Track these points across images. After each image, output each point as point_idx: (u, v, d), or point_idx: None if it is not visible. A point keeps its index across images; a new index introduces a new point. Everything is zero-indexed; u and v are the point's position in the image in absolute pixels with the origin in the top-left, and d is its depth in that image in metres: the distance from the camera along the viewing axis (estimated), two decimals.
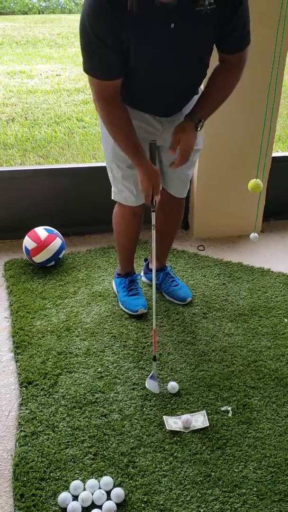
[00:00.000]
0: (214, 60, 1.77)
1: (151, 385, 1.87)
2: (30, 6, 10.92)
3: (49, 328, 2.18)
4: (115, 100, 1.68)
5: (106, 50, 1.51)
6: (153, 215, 1.87)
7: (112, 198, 2.12)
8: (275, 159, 2.88)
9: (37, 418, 1.76)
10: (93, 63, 1.57)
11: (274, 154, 2.95)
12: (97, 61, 1.56)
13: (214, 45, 1.69)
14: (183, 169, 2.05)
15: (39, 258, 2.54)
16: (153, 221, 1.88)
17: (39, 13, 10.90)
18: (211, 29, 1.58)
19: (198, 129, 1.78)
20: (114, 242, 2.35)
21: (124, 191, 2.04)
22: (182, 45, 1.57)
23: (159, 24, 1.50)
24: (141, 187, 1.82)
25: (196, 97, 1.88)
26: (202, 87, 1.87)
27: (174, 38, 1.54)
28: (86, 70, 1.61)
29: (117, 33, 1.48)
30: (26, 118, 4.62)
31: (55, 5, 11.27)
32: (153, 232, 1.90)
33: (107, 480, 1.54)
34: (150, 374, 1.89)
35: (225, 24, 1.57)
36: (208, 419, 1.76)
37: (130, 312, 2.28)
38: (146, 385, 1.88)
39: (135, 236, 2.28)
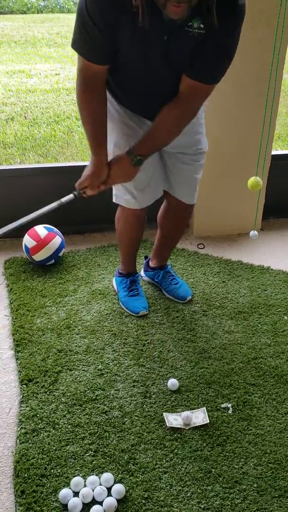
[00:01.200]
0: None
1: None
2: (29, 5, 10.91)
3: (49, 326, 2.19)
4: (95, 86, 1.66)
5: (98, 34, 1.50)
6: (68, 196, 1.90)
7: (114, 201, 2.11)
8: (274, 157, 2.88)
9: (38, 415, 1.77)
10: (82, 41, 1.56)
11: (274, 152, 2.96)
12: (86, 40, 1.54)
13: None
14: (188, 172, 2.05)
15: (39, 257, 2.54)
16: (64, 199, 1.92)
17: (38, 13, 10.89)
18: (192, 49, 1.56)
19: (133, 163, 1.76)
20: (116, 241, 2.34)
21: (124, 193, 2.03)
22: (170, 57, 1.58)
23: (154, 34, 1.51)
24: (84, 172, 1.82)
25: None
26: None
27: (164, 50, 1.55)
28: (74, 46, 1.59)
29: (112, 25, 1.48)
30: (25, 117, 4.62)
31: (54, 5, 11.26)
32: (55, 204, 1.94)
33: (107, 476, 1.55)
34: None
35: (196, 50, 1.55)
36: (208, 416, 1.77)
37: (131, 313, 2.28)
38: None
39: (139, 238, 2.28)
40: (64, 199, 1.91)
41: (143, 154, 1.76)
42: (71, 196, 1.89)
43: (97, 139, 1.77)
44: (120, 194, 2.06)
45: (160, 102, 1.73)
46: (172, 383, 1.88)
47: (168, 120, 1.72)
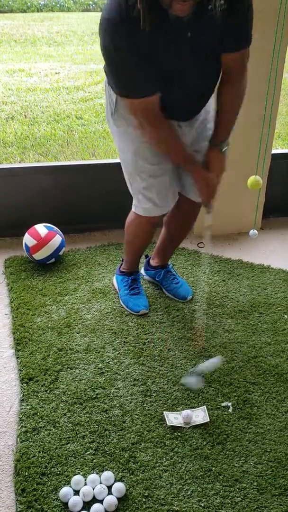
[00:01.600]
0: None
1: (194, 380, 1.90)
2: (28, 4, 10.89)
3: (49, 325, 2.19)
4: (160, 116, 1.70)
5: (141, 65, 1.53)
6: (209, 216, 1.98)
7: (133, 210, 2.10)
8: (274, 156, 2.88)
9: (38, 413, 1.77)
10: (133, 83, 1.58)
11: (274, 151, 2.96)
12: (137, 79, 1.57)
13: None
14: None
15: (39, 255, 2.55)
16: (208, 223, 2.00)
17: (37, 11, 10.87)
18: (219, 28, 1.58)
19: (224, 149, 1.87)
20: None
21: (144, 203, 2.01)
22: (200, 51, 1.60)
23: (176, 35, 1.52)
24: (200, 195, 1.92)
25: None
26: None
27: (192, 46, 1.56)
28: (127, 94, 1.61)
29: (143, 48, 1.50)
30: (25, 116, 4.62)
31: (53, 3, 11.24)
32: (207, 233, 2.04)
33: (108, 475, 1.55)
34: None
35: (231, 18, 1.57)
36: (209, 415, 1.77)
37: (131, 311, 2.28)
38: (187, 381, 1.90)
39: (149, 242, 2.29)
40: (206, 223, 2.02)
41: (227, 137, 1.86)
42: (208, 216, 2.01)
43: (191, 158, 1.84)
44: (139, 204, 2.04)
45: (197, 98, 1.78)
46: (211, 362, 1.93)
47: (233, 101, 1.81)
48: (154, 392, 1.87)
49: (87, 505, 1.50)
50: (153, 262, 2.48)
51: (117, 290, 2.39)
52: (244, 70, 1.77)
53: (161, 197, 1.99)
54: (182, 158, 1.86)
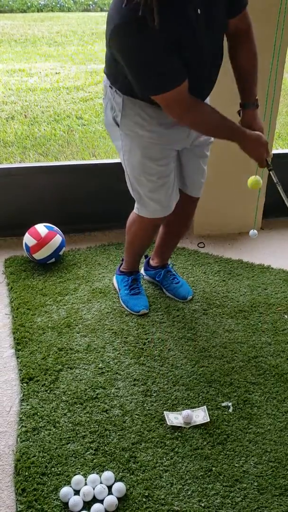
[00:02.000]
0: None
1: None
2: (29, 4, 10.89)
3: (49, 325, 2.19)
4: (195, 99, 1.69)
5: (170, 56, 1.52)
6: (272, 173, 1.95)
7: (136, 212, 2.09)
8: (275, 156, 2.87)
9: (38, 413, 1.77)
10: (164, 76, 1.56)
11: (274, 151, 2.96)
12: (166, 71, 1.55)
13: None
14: (202, 164, 2.08)
15: (39, 255, 2.54)
16: (275, 179, 1.95)
17: (38, 11, 10.88)
18: (226, 2, 1.64)
19: (257, 107, 1.86)
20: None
21: (149, 206, 2.01)
22: (211, 27, 1.61)
23: (188, 14, 1.53)
24: (253, 154, 1.88)
25: None
26: None
27: (203, 23, 1.57)
28: (159, 89, 1.58)
29: (165, 39, 1.49)
30: (25, 116, 4.62)
31: (53, 3, 11.24)
32: (281, 190, 1.98)
33: (108, 475, 1.55)
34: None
35: None
36: (209, 415, 1.77)
37: (131, 311, 2.28)
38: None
39: (150, 243, 2.30)
40: (275, 180, 1.98)
41: (255, 95, 1.85)
42: (272, 173, 1.97)
43: (237, 126, 1.80)
44: (144, 207, 2.04)
45: (212, 76, 1.79)
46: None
47: (251, 57, 1.81)
48: (154, 392, 1.87)
49: (87, 505, 1.50)
50: (153, 262, 2.48)
51: (117, 290, 2.39)
52: (251, 26, 1.78)
53: (167, 197, 2.00)
54: (230, 133, 1.81)
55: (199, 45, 1.62)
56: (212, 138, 2.06)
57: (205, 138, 2.01)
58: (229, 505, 1.49)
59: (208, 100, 1.91)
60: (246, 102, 1.85)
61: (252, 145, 1.83)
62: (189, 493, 1.53)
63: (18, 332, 2.15)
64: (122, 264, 2.41)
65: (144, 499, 1.51)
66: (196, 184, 2.14)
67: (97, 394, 1.85)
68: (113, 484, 1.53)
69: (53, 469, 1.59)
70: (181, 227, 2.35)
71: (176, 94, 1.60)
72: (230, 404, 1.83)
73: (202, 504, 1.49)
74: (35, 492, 1.52)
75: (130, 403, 1.82)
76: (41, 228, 2.57)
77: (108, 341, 2.11)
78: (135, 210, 2.10)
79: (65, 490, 1.50)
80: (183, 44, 1.55)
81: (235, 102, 1.87)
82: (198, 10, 1.54)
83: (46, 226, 2.59)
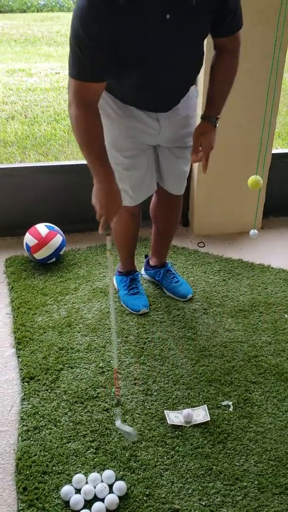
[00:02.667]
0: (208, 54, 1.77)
1: (123, 427, 1.62)
2: (28, 4, 10.90)
3: (50, 324, 2.19)
4: (95, 105, 1.63)
5: (97, 51, 1.47)
6: (108, 239, 1.67)
7: None
8: (274, 156, 2.89)
9: (39, 412, 1.77)
10: (81, 65, 1.52)
11: (274, 151, 2.96)
12: (86, 63, 1.50)
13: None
14: (180, 165, 2.06)
15: (40, 255, 2.55)
16: (109, 246, 1.65)
17: (37, 11, 10.88)
18: (206, 14, 1.57)
19: (216, 126, 1.83)
20: (113, 240, 2.34)
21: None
22: (179, 35, 1.55)
23: (154, 16, 1.47)
24: (98, 208, 1.71)
25: (193, 88, 1.88)
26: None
27: (171, 29, 1.51)
28: (74, 74, 1.54)
29: (110, 32, 1.44)
30: (25, 116, 4.62)
31: (53, 3, 11.25)
32: (108, 257, 1.68)
33: (109, 473, 1.56)
34: (117, 420, 1.65)
35: (221, 7, 1.58)
36: (209, 414, 1.78)
37: (131, 311, 2.29)
38: (122, 428, 1.63)
39: (135, 235, 2.28)
40: (108, 246, 1.66)
41: (219, 112, 1.83)
42: (108, 238, 1.67)
43: (106, 162, 1.70)
44: None
45: (175, 86, 1.76)
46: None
47: (228, 71, 1.78)
48: (155, 391, 1.87)
49: (88, 503, 1.50)
50: (151, 262, 2.48)
51: (117, 290, 2.40)
52: (240, 46, 1.76)
53: (135, 189, 1.99)
54: (96, 156, 1.69)
55: (154, 49, 1.55)
56: (190, 143, 1.96)
57: (187, 139, 1.97)
58: (230, 503, 1.50)
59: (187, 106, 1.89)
60: (207, 115, 1.83)
61: (101, 193, 1.69)
62: (189, 491, 1.53)
63: (19, 332, 2.15)
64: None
65: (145, 498, 1.51)
66: (172, 183, 2.12)
67: (98, 393, 1.86)
68: (114, 482, 1.54)
69: (54, 468, 1.59)
70: (169, 222, 2.35)
71: (77, 85, 1.55)
72: (230, 403, 1.83)
73: (203, 503, 1.50)
74: (36, 491, 1.52)
75: (131, 402, 1.83)
76: (42, 228, 2.58)
77: (108, 341, 2.11)
78: None
79: (66, 489, 1.51)
80: (125, 43, 1.49)
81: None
82: (168, 15, 1.47)
83: (46, 226, 2.60)
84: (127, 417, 1.77)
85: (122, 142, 1.88)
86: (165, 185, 2.13)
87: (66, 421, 1.75)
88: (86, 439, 1.68)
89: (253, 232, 2.19)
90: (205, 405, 1.81)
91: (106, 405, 1.81)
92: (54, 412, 1.78)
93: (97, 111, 1.65)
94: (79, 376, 1.93)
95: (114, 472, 1.57)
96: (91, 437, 1.69)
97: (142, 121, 1.84)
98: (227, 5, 1.59)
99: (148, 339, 2.13)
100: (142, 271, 2.53)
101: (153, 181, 2.07)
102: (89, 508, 1.48)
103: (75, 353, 2.04)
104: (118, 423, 1.63)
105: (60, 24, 9.20)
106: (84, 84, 1.55)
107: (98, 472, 1.58)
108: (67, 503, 1.49)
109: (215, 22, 1.62)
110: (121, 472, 1.58)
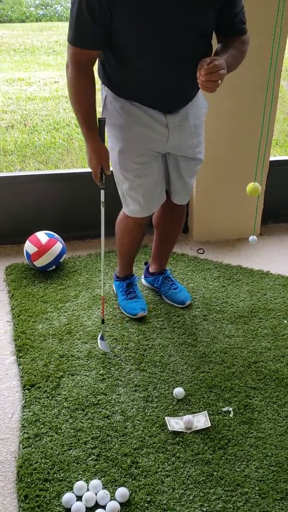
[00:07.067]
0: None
1: (102, 345, 2.08)
2: (27, 14, 10.98)
3: (50, 332, 2.20)
4: (89, 69, 1.73)
5: (93, 24, 1.58)
6: (102, 192, 1.96)
7: (123, 209, 2.13)
8: (272, 163, 2.91)
9: (40, 420, 1.78)
10: (77, 33, 1.63)
11: (272, 158, 2.98)
12: (81, 32, 1.62)
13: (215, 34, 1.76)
14: (188, 178, 2.08)
15: (40, 263, 2.56)
16: (102, 198, 1.97)
17: (36, 21, 10.96)
18: (211, 9, 1.63)
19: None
20: (115, 245, 2.36)
21: (130, 204, 2.04)
22: (181, 23, 1.60)
23: (159, 3, 1.54)
24: (89, 164, 1.89)
25: (201, 97, 1.92)
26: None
27: (172, 15, 1.57)
28: (70, 40, 1.65)
29: (107, 8, 1.55)
30: (25, 124, 4.65)
31: (52, 13, 11.33)
32: (102, 209, 1.99)
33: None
34: (100, 335, 2.09)
35: (228, 9, 1.66)
36: (210, 420, 1.78)
37: (129, 316, 2.29)
38: (99, 345, 2.08)
39: (138, 245, 2.30)
40: (102, 199, 1.99)
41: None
42: (102, 192, 1.97)
43: (93, 125, 1.82)
44: (125, 205, 2.07)
45: (184, 82, 1.77)
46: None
47: (241, 48, 1.78)
48: (155, 398, 1.88)
49: (89, 510, 1.50)
50: (151, 269, 2.49)
51: (116, 296, 2.41)
52: (246, 49, 1.80)
53: (147, 198, 2.00)
54: (82, 118, 1.81)
55: (155, 34, 1.61)
56: (202, 157, 2.05)
57: (196, 149, 1.99)
58: (231, 509, 1.50)
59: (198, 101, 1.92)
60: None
61: (90, 152, 1.87)
62: (190, 498, 1.53)
63: (19, 339, 2.16)
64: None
65: (146, 504, 1.51)
66: (178, 193, 2.12)
67: (99, 400, 1.86)
68: (107, 503, 1.50)
69: (55, 475, 1.59)
70: (172, 231, 2.36)
71: (73, 50, 1.68)
72: (230, 409, 1.84)
73: (204, 509, 1.50)
74: (37, 498, 1.52)
75: (131, 409, 1.83)
76: (42, 236, 2.59)
77: (109, 348, 2.11)
78: (123, 207, 2.12)
79: (67, 496, 1.51)
80: (126, 26, 1.59)
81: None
82: (173, 5, 1.55)
83: (46, 234, 2.61)
84: (128, 423, 1.77)
85: (132, 149, 1.89)
86: (172, 195, 2.13)
87: (67, 428, 1.75)
88: (87, 446, 1.69)
89: (252, 238, 2.20)
90: (206, 411, 1.82)
91: (107, 412, 1.81)
92: (55, 419, 1.78)
93: (91, 73, 1.76)
94: (80, 383, 1.94)
95: (115, 479, 1.57)
96: (92, 444, 1.69)
97: (151, 127, 1.86)
98: (234, 8, 1.68)
99: (149, 345, 2.14)
100: (142, 279, 2.54)
101: (163, 190, 2.08)
102: None
103: (76, 360, 2.05)
104: (99, 337, 2.08)
105: (59, 34, 9.26)
106: (79, 50, 1.67)
107: (99, 479, 1.58)
108: (68, 510, 1.49)
109: (224, 25, 1.70)
110: (122, 479, 1.58)
